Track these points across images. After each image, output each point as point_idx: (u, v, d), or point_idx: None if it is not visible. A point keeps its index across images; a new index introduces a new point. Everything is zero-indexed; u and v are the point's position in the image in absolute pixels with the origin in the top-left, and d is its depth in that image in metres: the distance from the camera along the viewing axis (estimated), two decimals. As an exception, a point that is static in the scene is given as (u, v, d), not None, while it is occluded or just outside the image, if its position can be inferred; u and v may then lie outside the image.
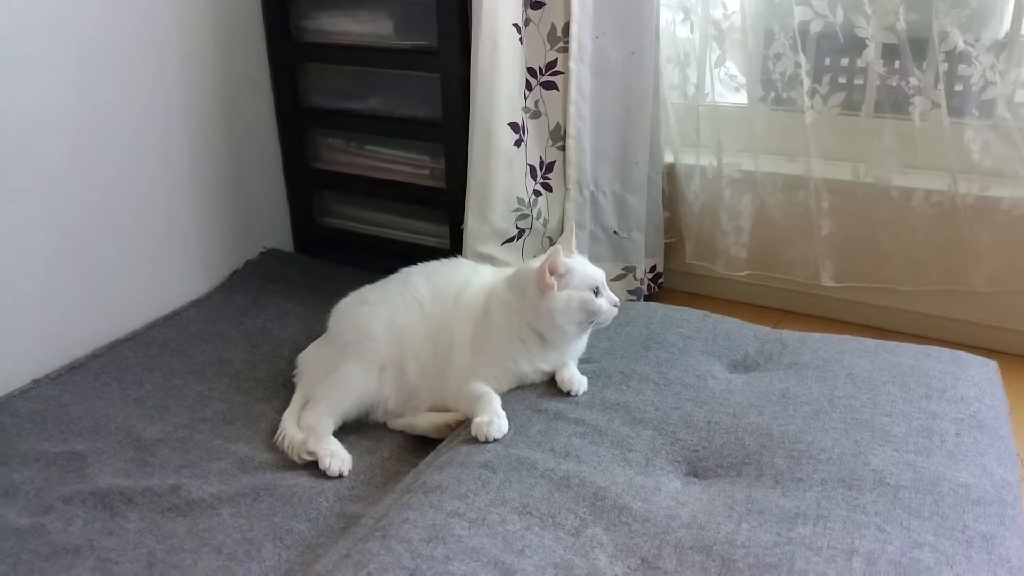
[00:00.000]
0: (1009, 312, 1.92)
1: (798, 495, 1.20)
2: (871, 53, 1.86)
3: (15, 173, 1.66)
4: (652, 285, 2.20)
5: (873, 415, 1.36)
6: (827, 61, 1.98)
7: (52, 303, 1.76)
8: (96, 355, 1.80)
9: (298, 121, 2.20)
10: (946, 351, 1.58)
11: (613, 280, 2.10)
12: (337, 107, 2.15)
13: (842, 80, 1.98)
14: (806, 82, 1.92)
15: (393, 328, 1.55)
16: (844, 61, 1.96)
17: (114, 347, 1.83)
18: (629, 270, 2.10)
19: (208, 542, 1.25)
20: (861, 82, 1.96)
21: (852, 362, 1.53)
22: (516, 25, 1.83)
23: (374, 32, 2.02)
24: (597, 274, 1.47)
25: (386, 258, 1.93)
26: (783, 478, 1.24)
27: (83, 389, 1.68)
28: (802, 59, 1.91)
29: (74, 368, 1.75)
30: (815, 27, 1.91)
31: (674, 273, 2.28)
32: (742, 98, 2.06)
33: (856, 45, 1.88)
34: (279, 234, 2.30)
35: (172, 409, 1.61)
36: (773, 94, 2.01)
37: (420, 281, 1.61)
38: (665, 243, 2.21)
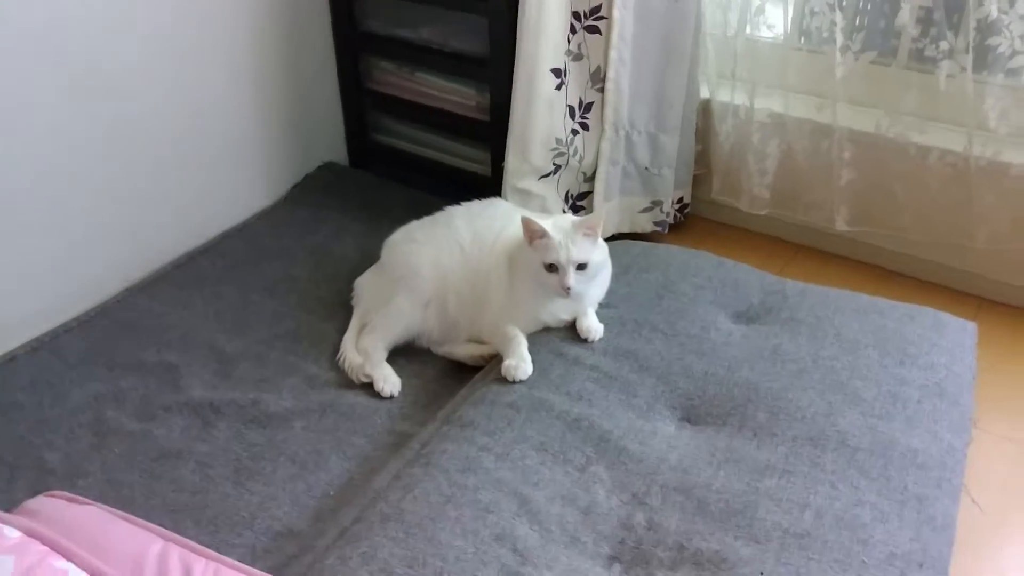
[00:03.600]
0: (1007, 267, 2.07)
1: (771, 449, 1.42)
2: (905, 15, 1.92)
3: (109, 96, 1.84)
4: (677, 215, 2.36)
5: (850, 378, 1.55)
6: (864, 21, 2.03)
7: (136, 212, 1.97)
8: (177, 265, 2.02)
9: (354, 44, 2.31)
10: (930, 313, 1.74)
11: (640, 212, 2.27)
12: (391, 33, 2.26)
13: (875, 37, 2.03)
14: (839, 39, 1.99)
15: (438, 267, 1.77)
16: (881, 24, 2.01)
17: (193, 258, 2.05)
18: (656, 204, 2.26)
19: (284, 452, 1.53)
20: (895, 43, 2.01)
21: (841, 321, 1.69)
22: (563, -27, 1.91)
23: (428, -34, 2.11)
24: (562, 255, 1.57)
25: (432, 177, 2.11)
26: (760, 431, 1.46)
27: (171, 299, 1.91)
28: (838, 16, 1.97)
29: (159, 278, 1.97)
30: (853, -15, 1.96)
31: (700, 202, 2.42)
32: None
33: (892, 5, 1.94)
34: (335, 149, 2.48)
35: (250, 324, 1.84)
36: (806, 42, 2.07)
37: (462, 225, 1.81)
38: (694, 175, 2.35)
